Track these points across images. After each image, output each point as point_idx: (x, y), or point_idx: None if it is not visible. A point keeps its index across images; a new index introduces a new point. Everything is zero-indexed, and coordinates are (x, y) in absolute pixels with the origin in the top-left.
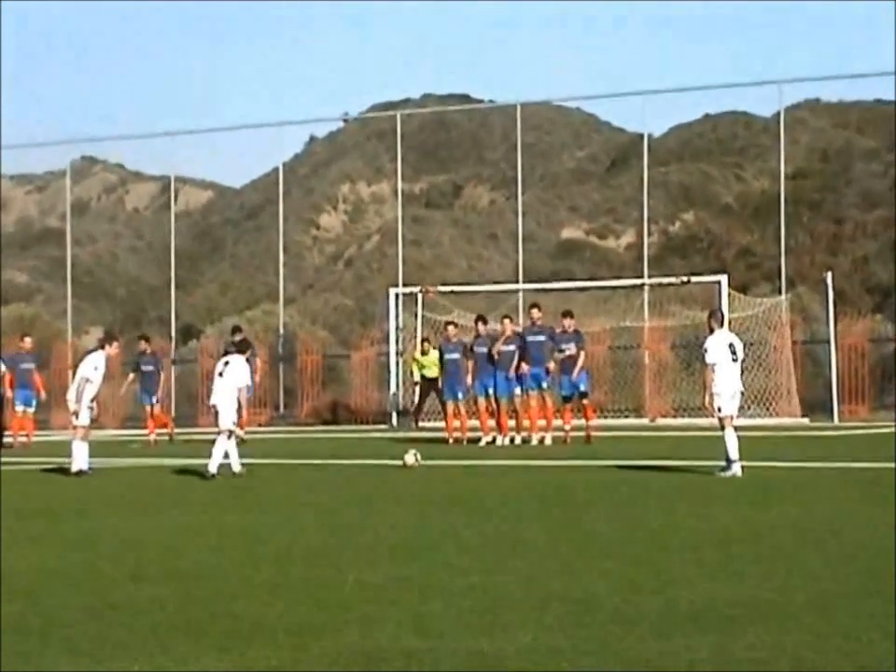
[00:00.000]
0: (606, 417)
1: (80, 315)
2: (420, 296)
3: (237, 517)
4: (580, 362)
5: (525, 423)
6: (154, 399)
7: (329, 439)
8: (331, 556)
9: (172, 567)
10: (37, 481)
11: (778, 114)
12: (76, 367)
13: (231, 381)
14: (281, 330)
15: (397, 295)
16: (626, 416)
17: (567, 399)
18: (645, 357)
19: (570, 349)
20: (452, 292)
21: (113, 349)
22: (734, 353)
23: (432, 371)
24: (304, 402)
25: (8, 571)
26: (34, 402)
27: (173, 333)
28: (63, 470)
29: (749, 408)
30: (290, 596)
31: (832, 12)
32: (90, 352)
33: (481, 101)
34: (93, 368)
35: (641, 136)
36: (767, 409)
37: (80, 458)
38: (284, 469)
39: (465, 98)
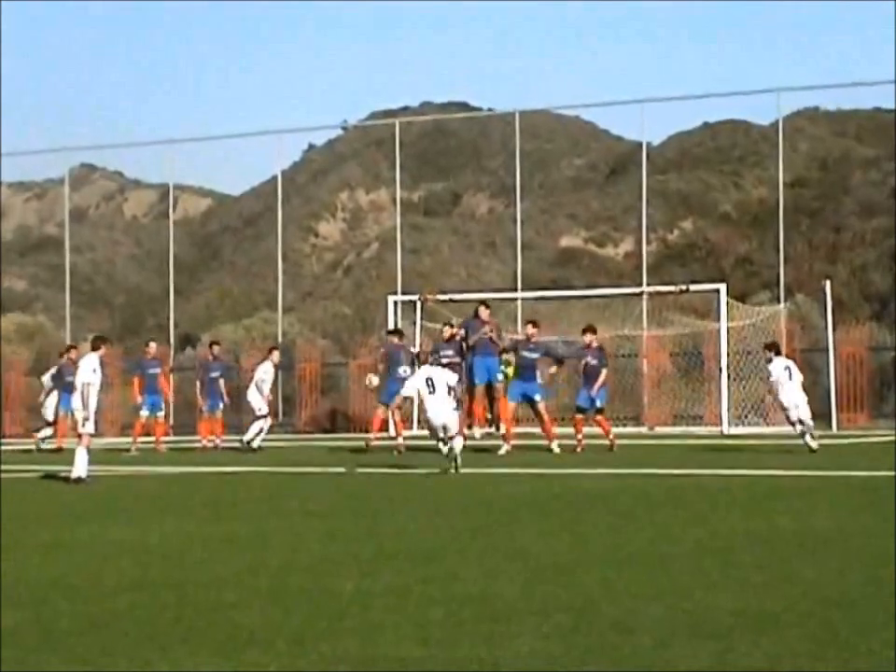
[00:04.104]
0: None
1: (79, 322)
2: (419, 304)
3: (237, 525)
4: (600, 379)
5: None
6: (221, 405)
7: (328, 447)
8: (332, 565)
9: (171, 575)
10: (37, 488)
11: (777, 122)
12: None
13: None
14: (280, 338)
15: (395, 303)
16: (625, 425)
17: (581, 411)
18: (643, 366)
19: (593, 362)
20: (451, 300)
21: (104, 351)
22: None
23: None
24: (303, 410)
25: (7, 580)
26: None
27: (171, 341)
28: (63, 478)
29: (746, 416)
30: (289, 604)
31: (830, 21)
32: (80, 357)
33: (479, 109)
34: (92, 371)
35: (640, 144)
36: (764, 418)
37: (81, 466)
38: (284, 477)
39: (464, 106)
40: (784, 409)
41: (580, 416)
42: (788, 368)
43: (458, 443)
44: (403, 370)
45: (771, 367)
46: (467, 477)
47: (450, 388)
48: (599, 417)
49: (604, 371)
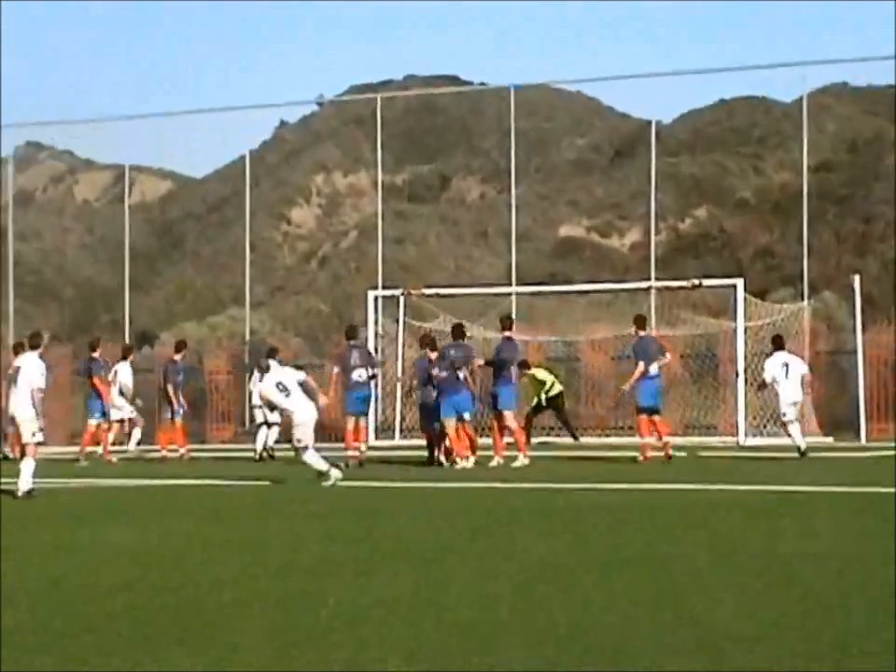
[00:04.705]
0: (608, 435)
1: (24, 318)
2: (403, 299)
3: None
4: (635, 373)
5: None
6: (181, 412)
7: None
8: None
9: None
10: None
11: (801, 99)
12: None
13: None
14: (248, 337)
15: (376, 298)
16: (631, 434)
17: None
18: None
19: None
20: (437, 295)
21: (43, 349)
22: None
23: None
24: None
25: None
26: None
27: (127, 339)
28: (9, 492)
29: (766, 426)
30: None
31: None
32: (19, 357)
33: (471, 83)
34: (40, 374)
35: (649, 123)
36: (785, 428)
37: (29, 478)
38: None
39: (453, 80)
40: (778, 406)
41: (640, 418)
42: (786, 364)
43: (311, 456)
44: (358, 374)
45: (767, 362)
46: (465, 489)
47: (300, 383)
48: (640, 417)
49: (640, 364)
